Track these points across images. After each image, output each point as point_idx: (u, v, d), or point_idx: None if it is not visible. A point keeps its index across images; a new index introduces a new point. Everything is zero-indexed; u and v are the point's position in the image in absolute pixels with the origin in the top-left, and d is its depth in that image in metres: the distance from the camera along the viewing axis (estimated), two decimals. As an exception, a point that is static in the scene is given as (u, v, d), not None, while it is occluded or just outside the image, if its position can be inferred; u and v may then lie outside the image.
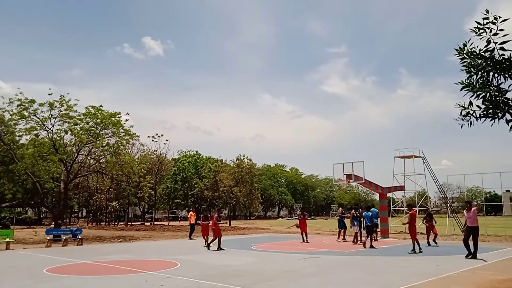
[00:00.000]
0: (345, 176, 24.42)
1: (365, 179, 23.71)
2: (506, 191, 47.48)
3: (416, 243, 16.03)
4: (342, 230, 21.80)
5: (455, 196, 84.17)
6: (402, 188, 30.89)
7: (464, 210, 14.85)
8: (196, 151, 65.14)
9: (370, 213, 18.50)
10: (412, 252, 15.80)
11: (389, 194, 32.57)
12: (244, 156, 45.63)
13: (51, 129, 24.60)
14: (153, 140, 48.51)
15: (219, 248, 17.37)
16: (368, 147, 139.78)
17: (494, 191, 68.81)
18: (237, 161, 45.56)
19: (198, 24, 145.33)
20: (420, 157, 31.26)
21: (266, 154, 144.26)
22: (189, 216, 26.47)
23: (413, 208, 18.12)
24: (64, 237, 20.75)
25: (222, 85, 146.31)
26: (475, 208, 14.42)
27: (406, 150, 31.55)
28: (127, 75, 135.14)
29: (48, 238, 20.27)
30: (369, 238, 18.21)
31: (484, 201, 46.03)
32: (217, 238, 17.55)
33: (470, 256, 13.75)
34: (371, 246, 17.84)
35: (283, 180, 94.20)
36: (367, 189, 73.20)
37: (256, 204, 53.01)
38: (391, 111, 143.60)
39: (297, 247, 18.62)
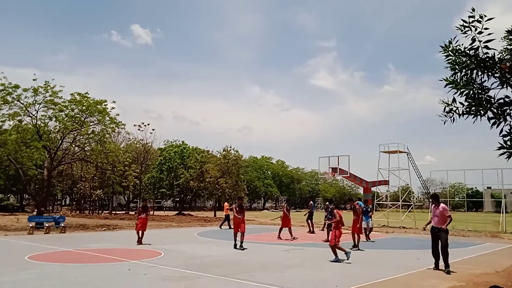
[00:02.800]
0: (331, 169, 24.67)
1: (350, 173, 23.99)
2: (488, 187, 48.38)
3: None
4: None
5: (437, 192, 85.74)
6: (386, 182, 31.27)
7: (432, 206, 11.73)
8: (183, 141, 64.94)
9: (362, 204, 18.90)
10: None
11: (373, 188, 32.98)
12: (230, 147, 45.65)
13: (35, 115, 24.26)
14: (139, 129, 48.27)
15: (240, 246, 14.53)
16: (354, 142, 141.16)
17: (475, 188, 70.14)
18: (224, 152, 45.51)
19: (188, 13, 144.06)
20: (405, 152, 31.62)
21: (253, 146, 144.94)
22: (224, 206, 27.37)
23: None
24: (47, 225, 20.56)
25: (211, 76, 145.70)
26: (444, 204, 11.83)
27: (391, 145, 31.85)
28: (114, 62, 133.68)
29: (31, 225, 20.06)
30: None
31: (466, 197, 46.86)
32: (242, 233, 14.64)
33: (446, 270, 10.16)
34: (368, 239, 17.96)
35: (269, 172, 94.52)
36: (352, 182, 73.84)
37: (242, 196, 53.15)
38: (378, 107, 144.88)
39: (281, 239, 18.73)
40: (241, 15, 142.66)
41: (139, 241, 15.79)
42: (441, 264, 10.51)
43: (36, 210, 26.40)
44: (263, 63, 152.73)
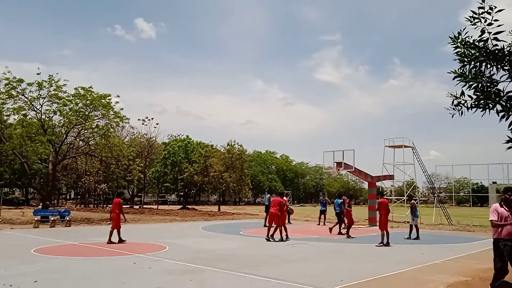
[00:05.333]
0: (335, 164, 24.54)
1: (354, 168, 23.86)
2: (493, 182, 48.03)
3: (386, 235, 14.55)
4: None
5: (442, 187, 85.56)
6: (391, 177, 31.16)
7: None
8: (187, 136, 64.91)
9: (340, 200, 19.29)
10: (380, 244, 14.42)
11: (378, 183, 32.88)
12: (235, 142, 45.64)
13: (40, 109, 24.35)
14: (143, 124, 48.22)
15: (271, 238, 15.23)
16: (358, 136, 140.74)
17: (481, 182, 69.76)
18: (228, 146, 45.52)
19: (192, 8, 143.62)
20: (410, 147, 31.50)
21: (257, 140, 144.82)
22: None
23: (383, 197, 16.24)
24: (52, 218, 20.66)
25: (214, 70, 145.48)
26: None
27: (396, 140, 31.77)
28: (118, 57, 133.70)
29: (36, 219, 20.16)
30: (337, 225, 18.85)
31: (471, 192, 46.67)
32: (281, 227, 15.45)
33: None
34: (340, 233, 18.26)
35: (273, 167, 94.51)
36: (356, 177, 73.77)
37: (246, 190, 53.19)
38: (383, 101, 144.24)
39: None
40: (245, 9, 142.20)
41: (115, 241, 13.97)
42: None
43: (41, 204, 26.52)
44: (267, 57, 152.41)
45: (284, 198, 17.29)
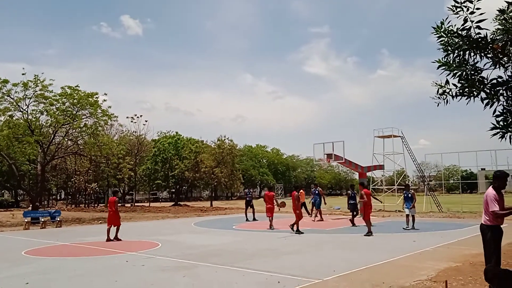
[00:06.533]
0: (326, 156, 24.69)
1: (345, 159, 24.04)
2: (482, 169, 48.70)
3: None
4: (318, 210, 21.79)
5: (432, 175, 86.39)
6: (381, 167, 31.42)
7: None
8: (176, 132, 64.69)
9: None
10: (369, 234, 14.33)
11: (368, 174, 33.11)
12: (225, 137, 45.58)
13: (26, 110, 24.09)
14: (132, 121, 47.99)
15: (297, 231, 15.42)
16: (348, 127, 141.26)
17: (470, 170, 70.65)
18: (218, 142, 45.45)
19: (179, 2, 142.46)
20: (399, 136, 31.71)
21: (247, 134, 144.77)
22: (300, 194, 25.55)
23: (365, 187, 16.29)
24: (43, 220, 20.50)
25: (203, 66, 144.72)
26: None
27: (386, 130, 31.92)
28: (105, 54, 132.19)
29: (26, 220, 20.00)
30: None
31: (460, 179, 47.22)
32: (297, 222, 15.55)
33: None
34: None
35: (264, 161, 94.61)
36: (347, 168, 74.17)
37: (238, 185, 53.22)
38: (372, 92, 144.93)
39: (277, 226, 18.79)
40: (232, 2, 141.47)
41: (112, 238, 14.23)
42: None
43: (31, 205, 26.29)
44: (256, 51, 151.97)
45: (301, 191, 19.12)
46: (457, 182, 63.49)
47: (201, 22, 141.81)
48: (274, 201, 17.28)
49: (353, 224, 18.02)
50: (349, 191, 19.66)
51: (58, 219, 21.09)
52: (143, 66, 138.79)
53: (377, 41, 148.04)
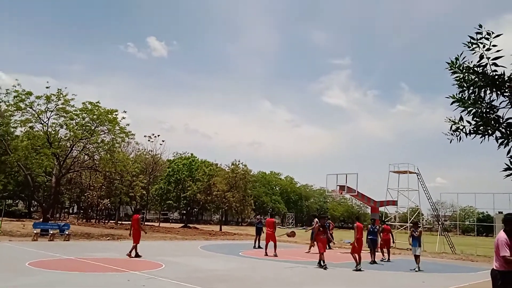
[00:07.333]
0: (338, 187, 24.40)
1: (357, 191, 23.70)
2: (499, 212, 47.38)
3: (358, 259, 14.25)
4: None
5: (447, 215, 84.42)
6: (394, 203, 30.87)
7: None
8: (192, 154, 65.04)
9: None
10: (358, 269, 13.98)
11: (382, 209, 32.55)
12: (239, 161, 45.60)
13: (47, 122, 24.53)
14: (149, 140, 48.40)
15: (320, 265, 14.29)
16: (364, 160, 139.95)
17: (487, 212, 68.88)
18: (232, 166, 45.45)
19: (203, 26, 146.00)
20: (415, 173, 31.23)
21: (262, 161, 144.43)
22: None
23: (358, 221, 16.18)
24: (52, 232, 20.56)
25: (223, 89, 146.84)
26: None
27: (402, 166, 31.51)
28: (128, 73, 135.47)
29: (35, 231, 20.08)
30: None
31: (476, 221, 45.94)
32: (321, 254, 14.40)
33: None
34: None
35: (277, 188, 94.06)
36: (360, 202, 73.14)
37: (249, 211, 52.77)
38: (391, 126, 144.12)
39: (285, 255, 18.46)
40: (255, 29, 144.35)
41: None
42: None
43: (42, 217, 26.47)
44: (276, 78, 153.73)
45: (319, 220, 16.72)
46: (472, 224, 61.82)
47: (223, 45, 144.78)
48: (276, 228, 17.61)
49: (373, 261, 17.13)
50: (369, 226, 18.88)
51: (67, 232, 21.14)
52: (166, 87, 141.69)
53: (397, 75, 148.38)
